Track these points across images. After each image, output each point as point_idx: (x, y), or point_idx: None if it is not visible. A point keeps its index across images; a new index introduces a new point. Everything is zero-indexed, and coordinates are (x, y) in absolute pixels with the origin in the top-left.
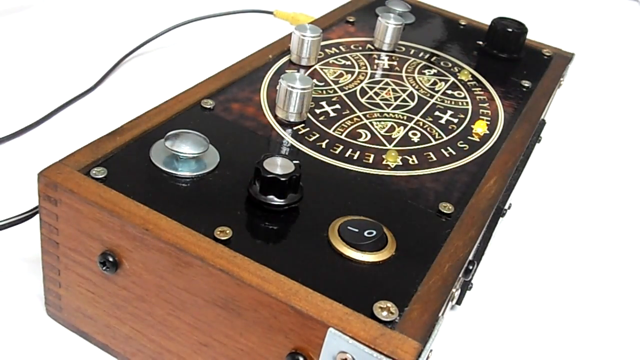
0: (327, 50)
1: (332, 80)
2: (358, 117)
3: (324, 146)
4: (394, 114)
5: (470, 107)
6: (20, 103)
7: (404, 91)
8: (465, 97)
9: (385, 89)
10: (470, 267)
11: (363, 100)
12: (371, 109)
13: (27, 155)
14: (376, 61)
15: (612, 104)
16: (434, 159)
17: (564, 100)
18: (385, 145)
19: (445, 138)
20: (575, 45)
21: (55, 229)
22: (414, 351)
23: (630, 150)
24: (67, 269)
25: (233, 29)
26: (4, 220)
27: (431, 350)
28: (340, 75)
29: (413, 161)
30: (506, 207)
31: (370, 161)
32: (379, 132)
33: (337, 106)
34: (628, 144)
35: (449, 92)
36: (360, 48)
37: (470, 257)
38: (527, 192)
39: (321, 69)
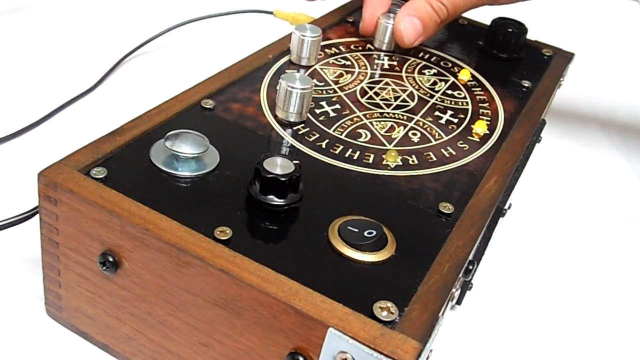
0: (327, 50)
1: (332, 80)
2: (358, 117)
3: (324, 146)
4: (394, 114)
5: (470, 107)
6: (20, 103)
7: (404, 91)
8: (465, 97)
9: (385, 89)
10: (470, 267)
11: (363, 100)
12: (371, 109)
13: (27, 155)
14: (376, 61)
15: (612, 104)
16: (434, 159)
17: (564, 100)
18: (385, 145)
19: (445, 138)
20: (575, 45)
21: (55, 229)
22: (414, 351)
23: (630, 150)
24: (67, 269)
25: (233, 29)
26: (4, 220)
27: (431, 350)
28: (340, 75)
29: (413, 161)
30: (506, 207)
31: (370, 161)
32: (379, 132)
33: (337, 106)
34: (628, 144)
35: (449, 92)
36: (360, 48)
37: (470, 257)
38: (527, 192)
39: (321, 69)
